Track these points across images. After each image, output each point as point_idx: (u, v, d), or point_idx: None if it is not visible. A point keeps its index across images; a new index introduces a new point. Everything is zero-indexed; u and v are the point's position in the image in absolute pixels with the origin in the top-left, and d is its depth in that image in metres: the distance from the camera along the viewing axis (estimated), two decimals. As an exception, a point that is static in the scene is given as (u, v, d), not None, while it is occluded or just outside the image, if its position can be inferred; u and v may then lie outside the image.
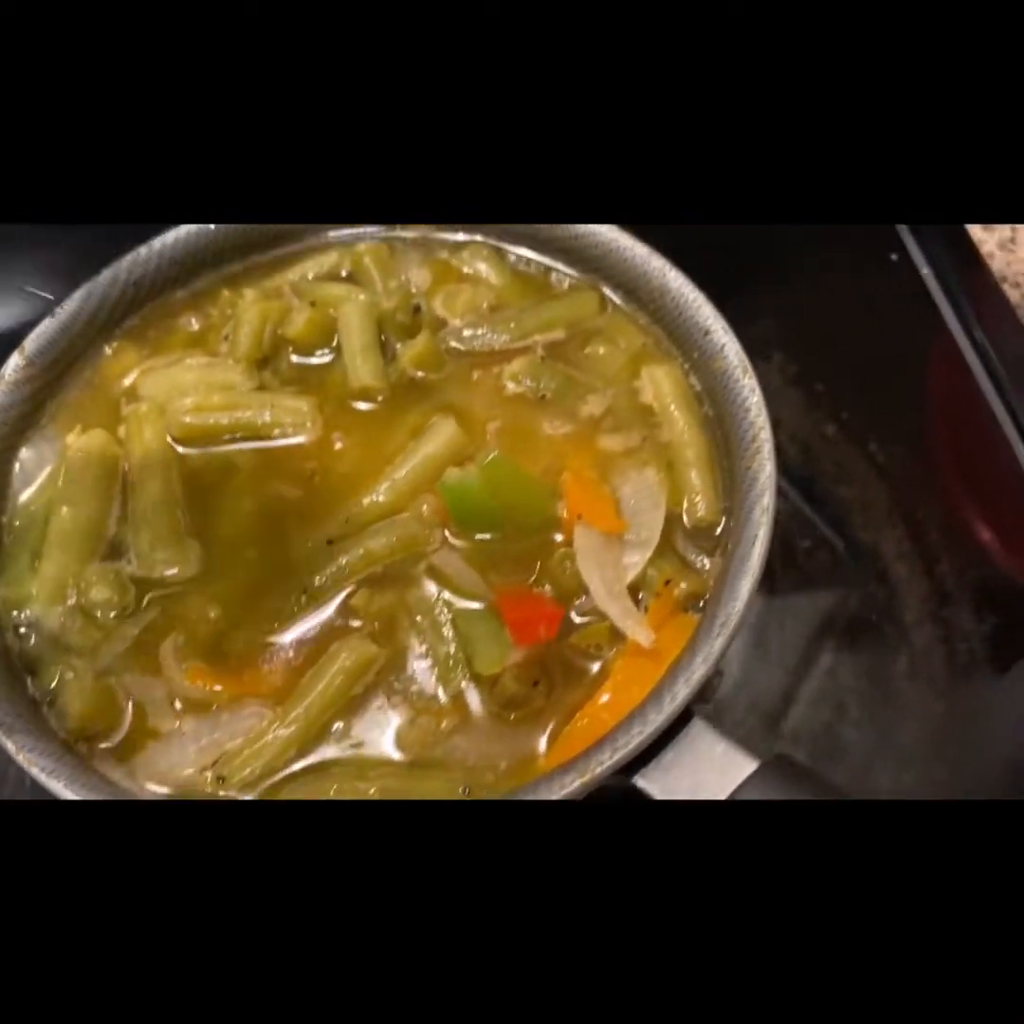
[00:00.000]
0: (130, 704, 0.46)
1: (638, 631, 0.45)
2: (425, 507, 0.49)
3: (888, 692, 0.62)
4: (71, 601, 0.48)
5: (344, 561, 0.48)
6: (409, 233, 0.62)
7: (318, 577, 0.48)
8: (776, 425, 0.73)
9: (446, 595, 0.47)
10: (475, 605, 0.47)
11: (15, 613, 0.49)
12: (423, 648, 0.47)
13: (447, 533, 0.49)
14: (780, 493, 0.69)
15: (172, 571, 0.49)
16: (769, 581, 0.66)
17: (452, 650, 0.46)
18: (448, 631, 0.46)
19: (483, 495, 0.47)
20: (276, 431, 0.53)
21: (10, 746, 0.43)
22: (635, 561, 0.47)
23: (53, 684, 0.47)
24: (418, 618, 0.47)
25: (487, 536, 0.49)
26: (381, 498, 0.50)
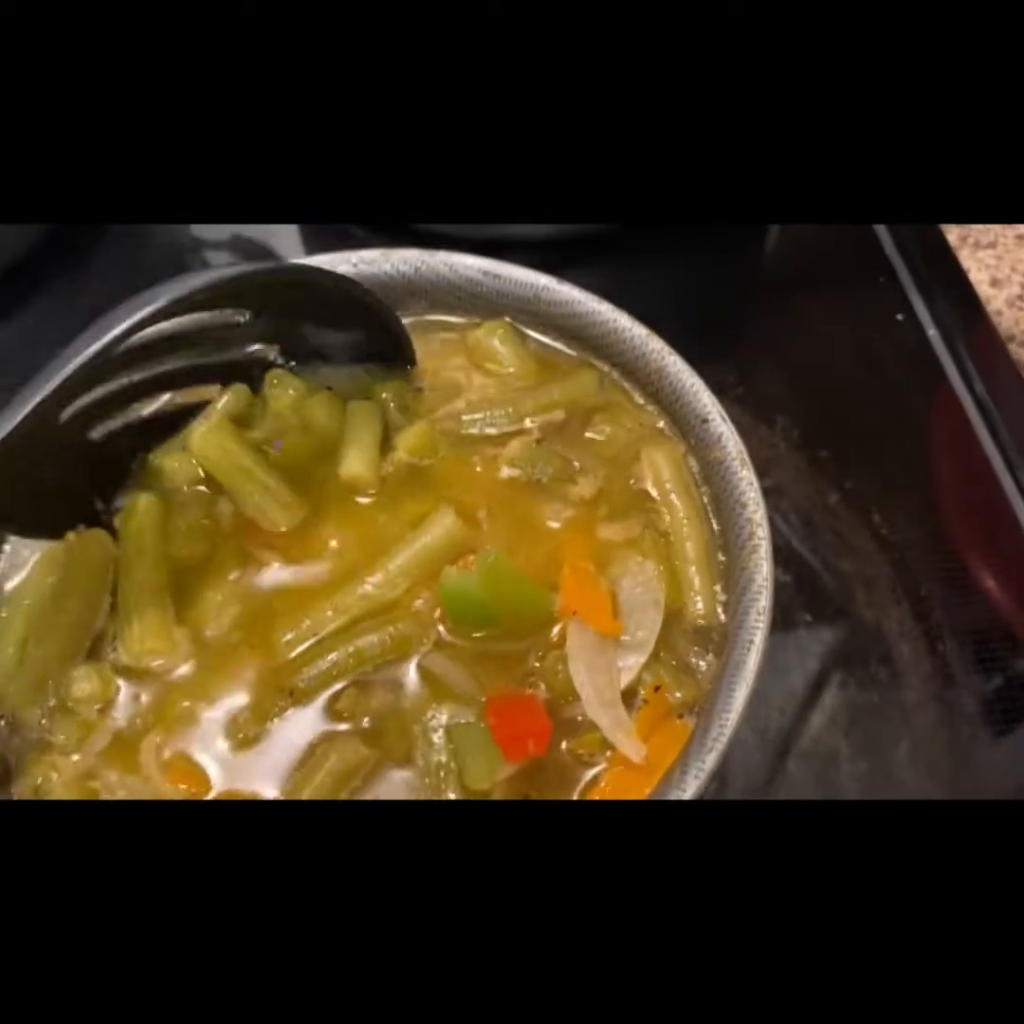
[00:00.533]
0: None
1: (628, 745, 0.44)
2: (420, 602, 0.48)
3: (889, 777, 0.61)
4: (52, 701, 0.47)
5: (333, 658, 0.47)
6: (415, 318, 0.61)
7: (304, 674, 0.47)
8: (780, 493, 0.73)
9: (438, 701, 0.46)
10: (466, 714, 0.46)
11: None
12: (412, 755, 0.46)
13: (441, 629, 0.48)
14: (782, 564, 0.68)
15: (159, 662, 0.49)
16: (768, 659, 0.65)
17: (443, 759, 0.45)
18: (438, 739, 0.45)
19: (482, 596, 0.46)
20: (264, 518, 0.52)
21: None
22: (630, 664, 0.46)
23: (37, 785, 0.46)
24: (408, 724, 0.46)
25: (481, 634, 0.48)
26: (374, 590, 0.49)
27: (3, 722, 0.48)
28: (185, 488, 0.54)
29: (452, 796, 0.44)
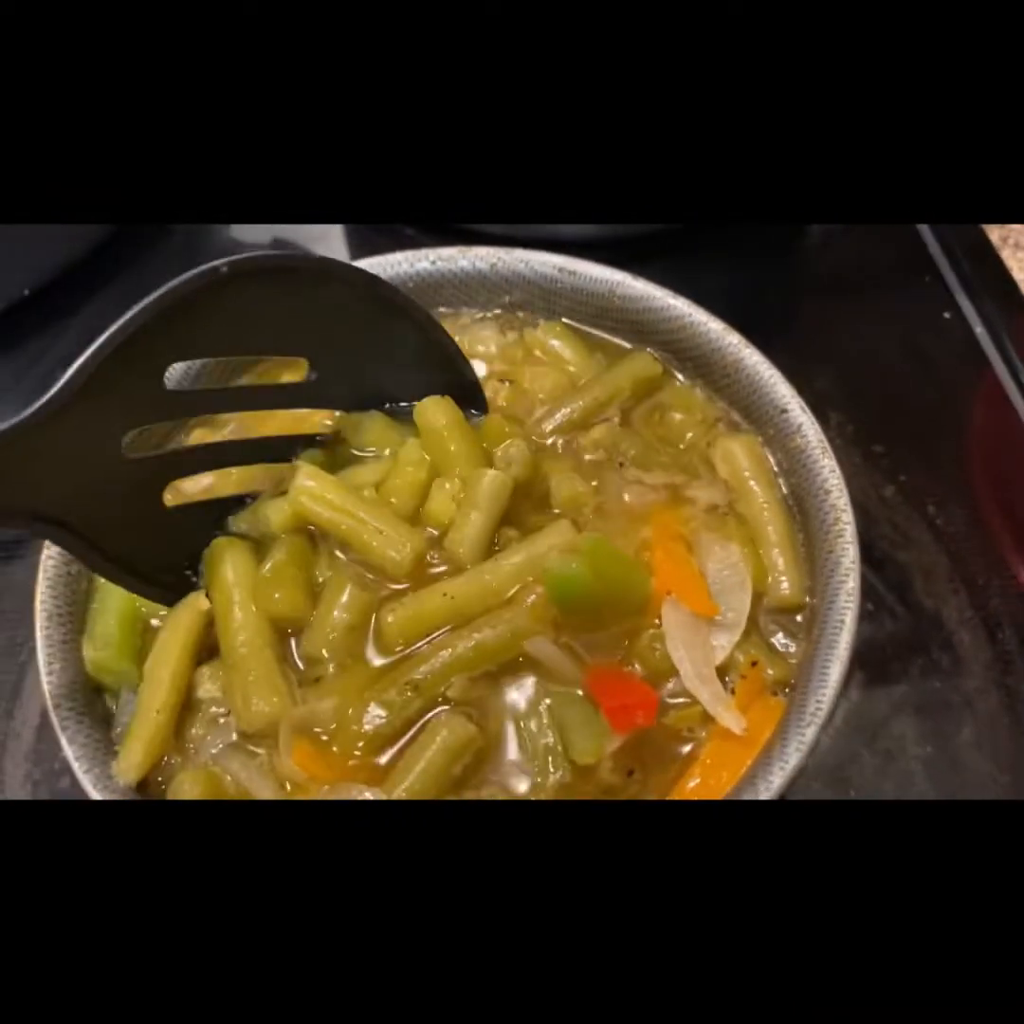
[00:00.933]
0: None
1: (729, 717, 0.45)
2: (532, 597, 0.48)
3: (954, 761, 0.62)
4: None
5: (450, 654, 0.48)
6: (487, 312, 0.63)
7: (424, 668, 0.48)
8: (835, 487, 0.74)
9: (541, 683, 0.48)
10: (571, 692, 0.47)
11: (109, 678, 0.50)
12: (520, 738, 0.47)
13: (548, 620, 0.49)
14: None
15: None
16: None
17: (551, 741, 0.46)
18: (546, 720, 0.46)
19: (586, 578, 0.47)
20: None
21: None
22: (723, 643, 0.48)
23: (159, 770, 0.48)
24: (515, 707, 0.48)
25: (585, 618, 0.49)
26: (489, 584, 0.49)
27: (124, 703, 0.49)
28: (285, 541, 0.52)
29: (558, 775, 0.45)
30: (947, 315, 0.84)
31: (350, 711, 0.47)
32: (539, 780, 0.46)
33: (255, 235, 0.99)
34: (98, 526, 0.47)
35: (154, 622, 0.52)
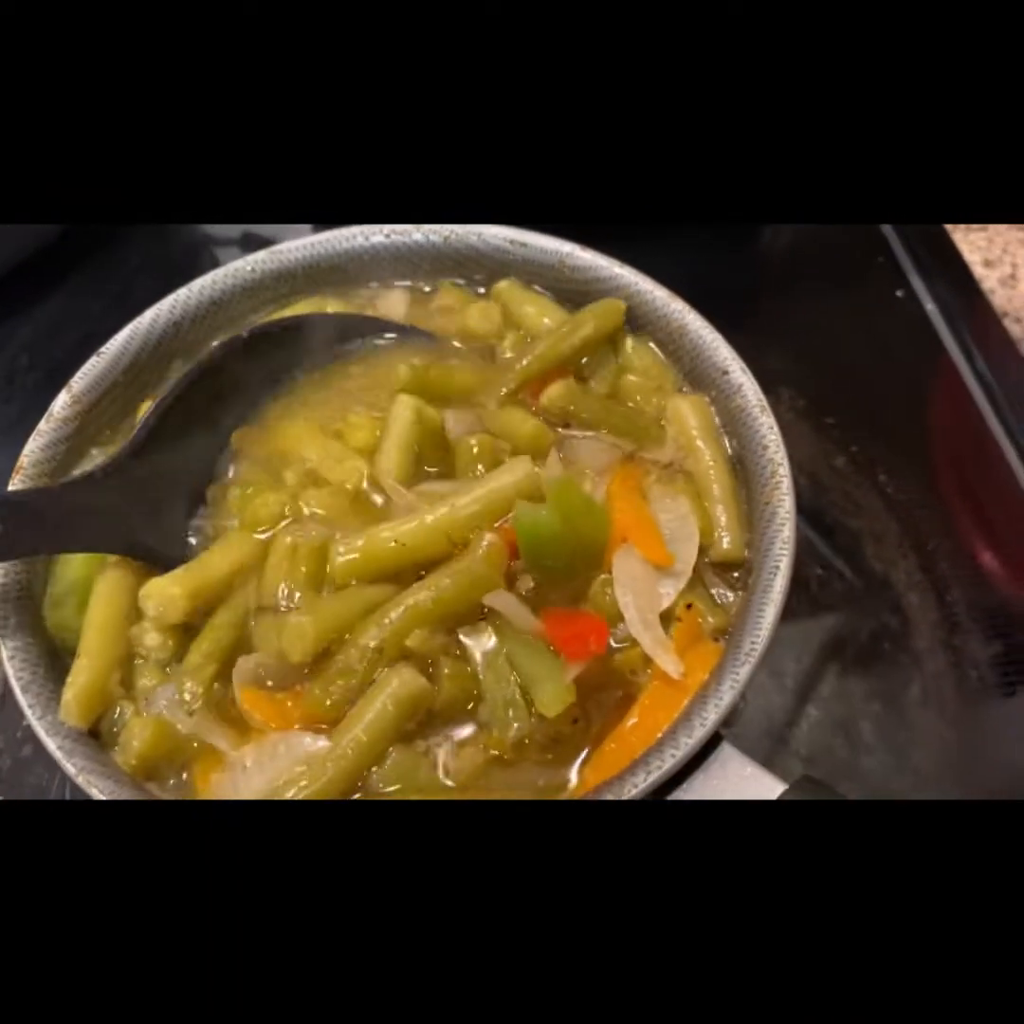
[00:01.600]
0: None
1: (668, 661, 0.47)
2: (486, 543, 0.48)
3: (902, 718, 0.64)
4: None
5: (411, 602, 0.48)
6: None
7: (384, 624, 0.48)
8: (789, 458, 0.76)
9: (499, 631, 0.48)
10: (530, 640, 0.47)
11: (69, 636, 0.51)
12: (481, 689, 0.48)
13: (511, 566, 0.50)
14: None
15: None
16: (784, 610, 0.68)
17: (512, 694, 0.47)
18: (507, 671, 0.47)
19: (554, 524, 0.47)
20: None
21: (70, 768, 0.45)
22: (668, 591, 0.49)
23: (114, 722, 0.49)
24: (473, 657, 0.48)
25: (550, 566, 0.49)
26: (440, 525, 0.50)
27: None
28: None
29: (516, 727, 0.46)
30: (899, 293, 0.86)
31: (316, 690, 0.48)
32: (497, 732, 0.46)
33: (225, 229, 1.00)
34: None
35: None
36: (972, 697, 0.64)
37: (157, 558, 0.52)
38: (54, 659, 0.52)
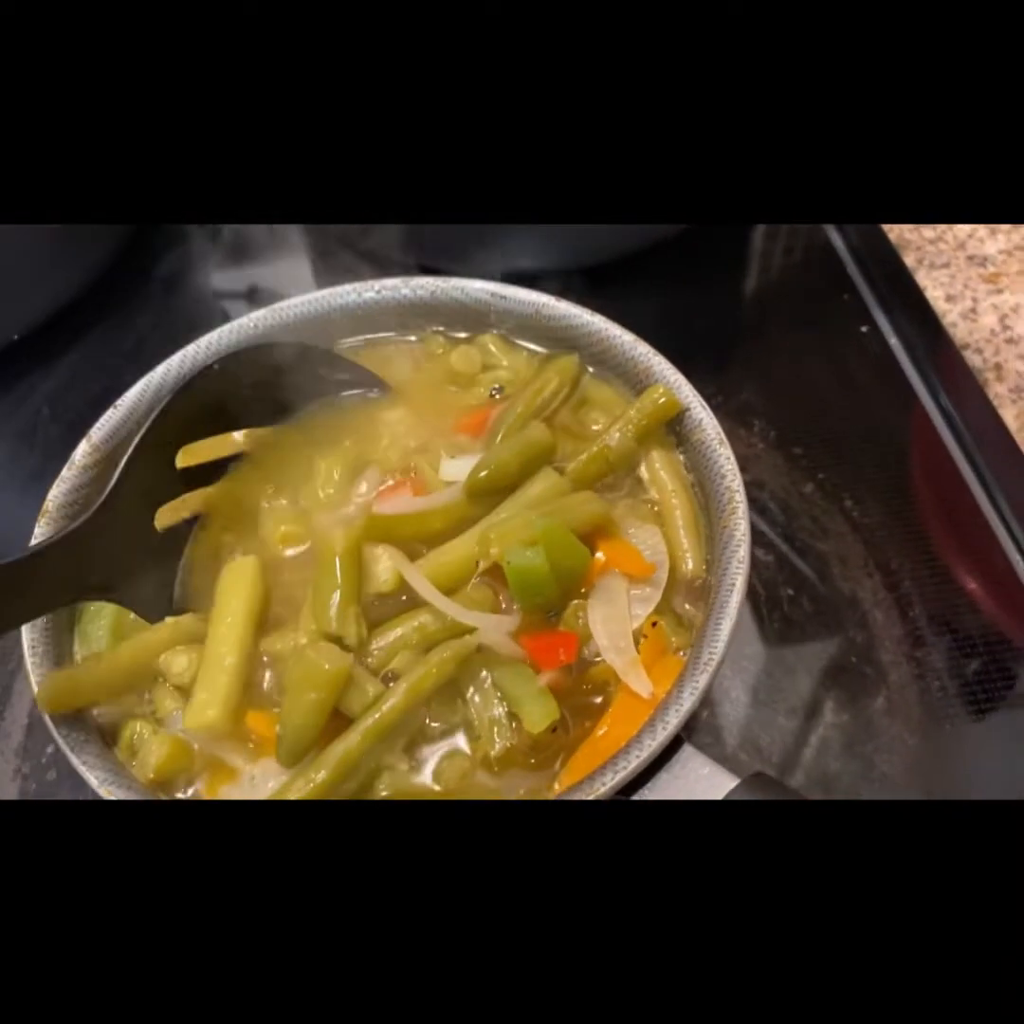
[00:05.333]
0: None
1: (640, 683, 0.51)
2: (474, 581, 0.54)
3: (868, 727, 0.68)
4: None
5: (399, 634, 0.53)
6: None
7: (374, 646, 0.53)
8: (760, 486, 0.81)
9: (481, 656, 0.52)
10: (514, 663, 0.52)
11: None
12: (465, 711, 0.53)
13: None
14: (765, 546, 0.76)
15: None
16: (758, 627, 0.73)
17: (498, 713, 0.51)
18: (493, 693, 0.52)
19: (544, 570, 0.51)
20: None
21: (92, 780, 0.49)
22: (639, 614, 0.54)
23: (133, 738, 0.53)
24: (457, 681, 0.52)
25: (538, 602, 0.54)
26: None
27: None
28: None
29: (500, 744, 0.51)
30: (864, 329, 0.91)
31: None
32: (485, 747, 0.51)
33: (232, 283, 1.07)
34: (134, 579, 0.57)
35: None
36: (935, 707, 0.68)
37: (133, 603, 0.57)
38: None
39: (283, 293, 1.04)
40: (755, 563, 0.72)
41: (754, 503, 0.78)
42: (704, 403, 0.61)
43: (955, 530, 0.78)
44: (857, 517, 0.78)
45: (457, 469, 0.59)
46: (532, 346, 0.69)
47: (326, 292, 0.71)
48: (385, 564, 0.54)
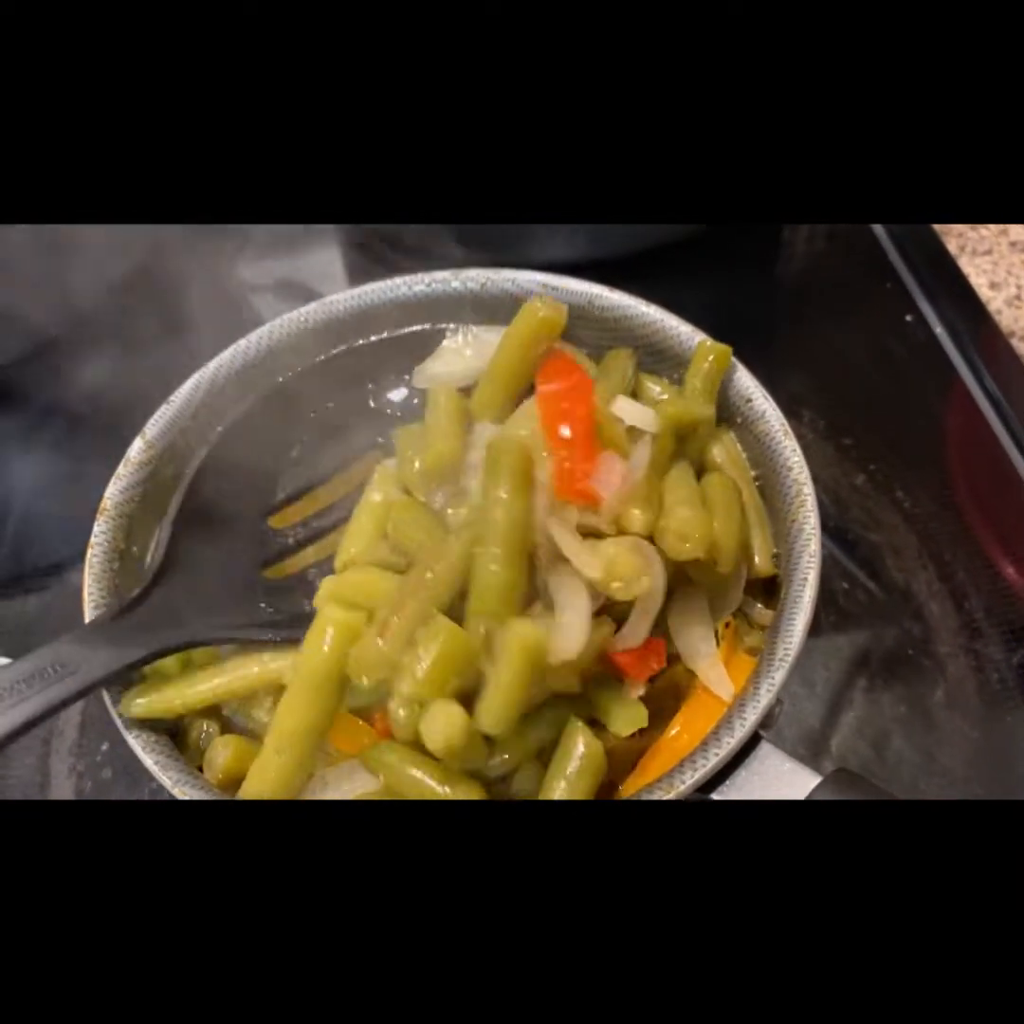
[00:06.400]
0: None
1: (721, 685, 0.51)
2: None
3: (928, 720, 0.67)
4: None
5: None
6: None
7: None
8: (812, 478, 0.80)
9: None
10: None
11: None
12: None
13: None
14: (817, 539, 0.75)
15: None
16: (813, 622, 0.72)
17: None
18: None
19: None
20: None
21: (166, 781, 0.49)
22: (718, 617, 0.54)
23: (200, 738, 0.53)
24: None
25: None
26: None
27: None
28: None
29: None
30: (909, 318, 0.90)
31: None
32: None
33: (261, 276, 1.06)
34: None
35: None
36: (994, 699, 0.68)
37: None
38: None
39: (313, 287, 1.05)
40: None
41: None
42: (767, 394, 0.60)
43: (1007, 519, 0.77)
44: (909, 508, 0.77)
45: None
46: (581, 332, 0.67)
47: (374, 285, 0.70)
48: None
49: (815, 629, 0.71)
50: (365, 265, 1.02)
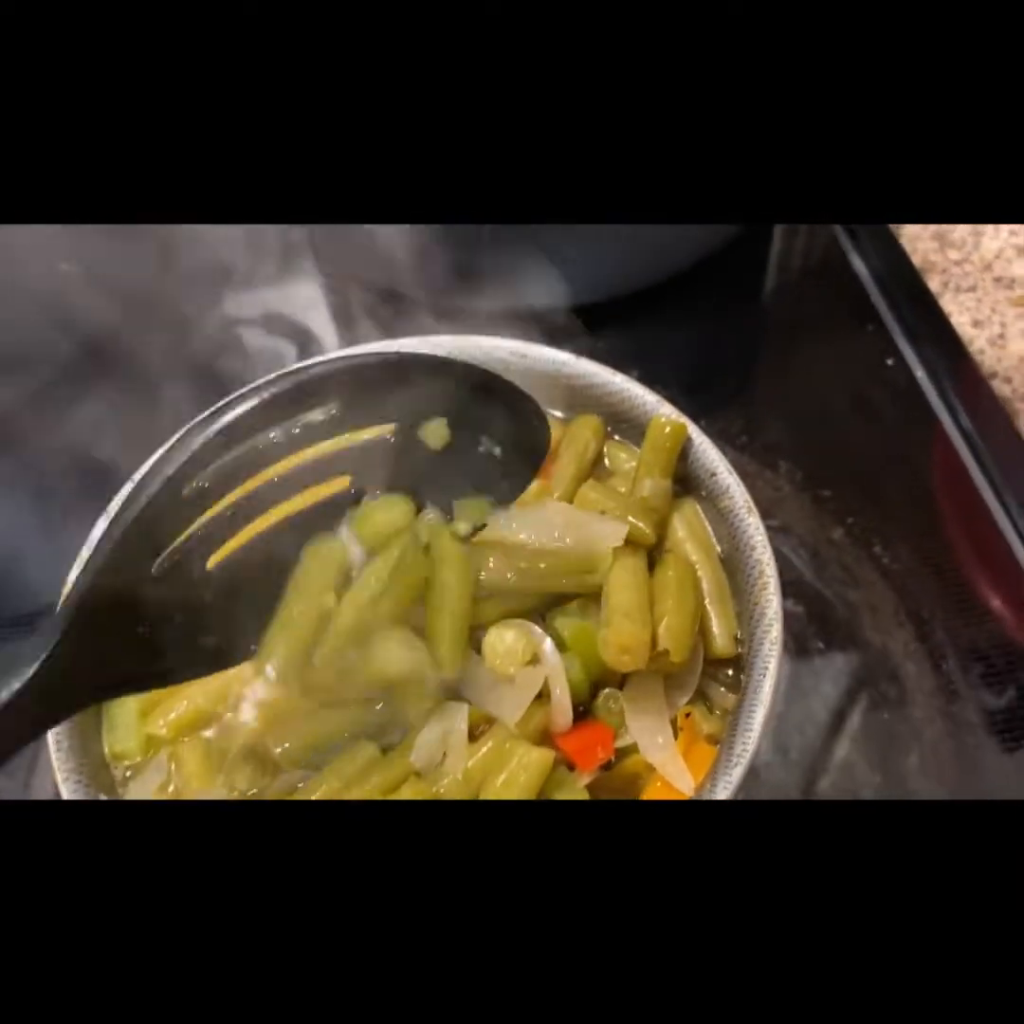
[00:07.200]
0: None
1: (681, 779, 0.50)
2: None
3: (903, 787, 0.67)
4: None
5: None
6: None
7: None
8: (787, 531, 0.79)
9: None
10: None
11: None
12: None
13: None
14: (794, 597, 0.75)
15: None
16: (788, 684, 0.72)
17: None
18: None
19: (579, 673, 0.52)
20: None
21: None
22: (675, 702, 0.53)
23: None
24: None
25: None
26: None
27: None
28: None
29: None
30: (890, 362, 0.89)
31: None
32: None
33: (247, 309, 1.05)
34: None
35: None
36: (969, 763, 0.67)
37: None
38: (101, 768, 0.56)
39: (294, 318, 1.04)
40: (785, 615, 0.71)
41: (781, 549, 0.77)
42: (731, 468, 0.60)
43: (987, 573, 0.77)
44: (887, 563, 0.77)
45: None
46: (556, 413, 0.68)
47: (344, 353, 0.69)
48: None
49: (791, 693, 0.72)
50: (344, 312, 1.02)
